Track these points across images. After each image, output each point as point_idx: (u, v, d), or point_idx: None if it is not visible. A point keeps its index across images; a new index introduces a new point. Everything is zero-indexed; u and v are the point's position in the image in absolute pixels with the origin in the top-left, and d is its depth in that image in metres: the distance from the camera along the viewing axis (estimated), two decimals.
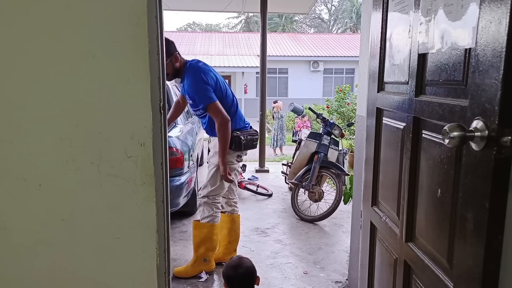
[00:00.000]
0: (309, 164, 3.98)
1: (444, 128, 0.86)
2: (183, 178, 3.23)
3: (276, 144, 8.56)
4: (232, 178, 2.59)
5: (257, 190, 4.68)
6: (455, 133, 0.84)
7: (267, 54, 6.05)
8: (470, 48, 0.89)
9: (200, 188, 2.65)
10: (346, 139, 6.27)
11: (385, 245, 1.50)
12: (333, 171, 3.80)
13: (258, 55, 6.26)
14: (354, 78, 17.37)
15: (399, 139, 1.33)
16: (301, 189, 3.94)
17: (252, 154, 5.29)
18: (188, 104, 2.66)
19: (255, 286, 1.74)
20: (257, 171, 5.87)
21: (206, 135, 3.08)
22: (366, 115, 1.71)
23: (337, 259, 2.94)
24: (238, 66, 16.35)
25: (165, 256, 1.33)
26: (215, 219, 2.58)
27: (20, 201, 1.20)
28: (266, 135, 7.64)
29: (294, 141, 5.47)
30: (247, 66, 16.22)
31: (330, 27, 32.32)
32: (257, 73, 15.09)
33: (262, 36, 5.88)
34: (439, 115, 1.03)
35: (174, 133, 3.33)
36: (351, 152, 5.56)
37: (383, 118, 1.52)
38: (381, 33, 1.48)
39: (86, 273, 1.27)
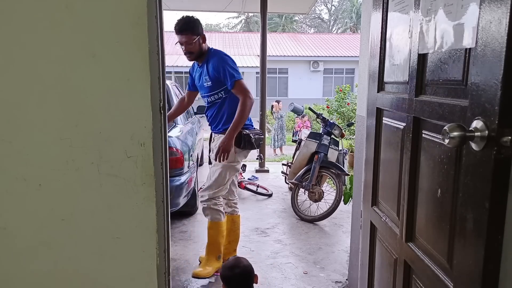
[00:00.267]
0: (309, 164, 3.98)
1: (444, 128, 0.86)
2: (183, 178, 3.23)
3: (276, 144, 8.56)
4: (231, 178, 2.59)
5: (257, 190, 4.68)
6: (455, 133, 0.84)
7: (267, 54, 6.05)
8: (470, 48, 0.89)
9: (201, 188, 2.62)
10: (346, 139, 6.27)
11: (385, 245, 1.50)
12: (333, 171, 3.80)
13: (258, 55, 6.26)
14: (354, 78, 17.37)
15: (399, 139, 1.33)
16: (301, 189, 3.94)
17: (252, 154, 5.28)
18: (199, 94, 2.63)
19: (254, 285, 1.74)
20: (257, 171, 5.87)
21: (206, 135, 3.07)
22: (366, 115, 1.71)
23: (337, 259, 2.94)
24: (238, 66, 16.33)
25: (165, 256, 1.33)
26: (222, 218, 2.61)
27: (20, 201, 1.20)
28: (266, 135, 7.64)
29: (294, 141, 5.47)
30: (247, 66, 16.22)
31: (330, 27, 32.32)
32: (257, 73, 15.09)
33: (262, 36, 5.88)
34: (439, 115, 1.03)
35: (174, 133, 3.33)
36: (351, 152, 5.56)
37: (383, 118, 1.52)
38: (381, 33, 1.48)
39: (86, 273, 1.27)
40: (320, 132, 4.15)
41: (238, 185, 4.31)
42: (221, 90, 2.46)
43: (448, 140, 0.85)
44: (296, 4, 6.87)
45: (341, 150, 4.25)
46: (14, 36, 1.11)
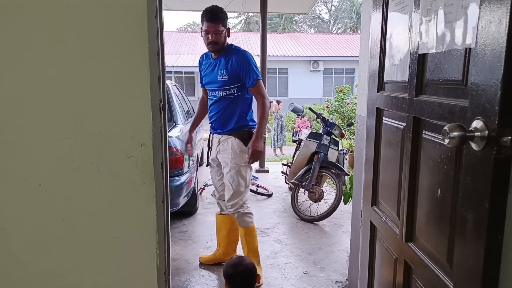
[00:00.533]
0: (309, 164, 3.98)
1: (444, 128, 0.86)
2: (183, 178, 3.23)
3: (276, 144, 8.56)
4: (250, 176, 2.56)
5: (257, 190, 4.68)
6: (455, 133, 0.84)
7: (267, 54, 6.04)
8: (470, 48, 0.89)
9: (229, 199, 2.48)
10: (346, 139, 6.27)
11: (385, 245, 1.50)
12: (333, 171, 3.80)
13: (258, 55, 6.26)
14: (354, 78, 17.37)
15: (399, 139, 1.33)
16: (301, 189, 3.94)
17: None
18: (209, 89, 2.52)
19: (256, 285, 1.74)
20: (257, 171, 5.86)
21: (206, 135, 3.06)
22: (366, 115, 1.71)
23: (337, 259, 2.94)
24: None
25: (165, 256, 1.33)
26: (253, 220, 2.60)
27: (20, 201, 1.20)
28: (266, 135, 7.64)
29: (294, 141, 5.47)
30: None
31: (330, 27, 32.32)
32: None
33: (262, 36, 5.88)
34: (439, 115, 1.03)
35: (174, 133, 3.33)
36: (351, 152, 5.56)
37: (383, 118, 1.52)
38: (381, 33, 1.48)
39: (86, 273, 1.27)
40: (320, 132, 4.15)
41: None
42: (235, 86, 2.40)
43: (448, 140, 0.85)
44: (296, 4, 6.86)
45: (341, 150, 4.25)
46: (14, 36, 1.11)
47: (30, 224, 1.21)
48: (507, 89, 0.75)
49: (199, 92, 17.67)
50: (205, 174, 4.81)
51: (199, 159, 4.56)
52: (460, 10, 0.93)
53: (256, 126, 2.45)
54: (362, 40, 2.09)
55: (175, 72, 16.60)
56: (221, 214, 2.70)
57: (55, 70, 1.13)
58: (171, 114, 3.71)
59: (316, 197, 3.86)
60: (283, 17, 28.68)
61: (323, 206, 3.79)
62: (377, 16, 1.53)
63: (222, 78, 2.41)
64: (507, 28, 0.73)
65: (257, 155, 2.43)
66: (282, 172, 5.16)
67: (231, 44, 2.49)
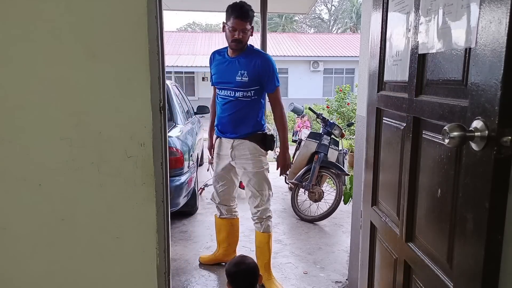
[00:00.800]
0: (309, 164, 3.98)
1: (444, 128, 0.86)
2: (183, 178, 3.23)
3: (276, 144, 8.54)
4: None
5: None
6: (455, 133, 0.84)
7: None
8: (470, 48, 0.89)
9: (257, 205, 2.41)
10: (346, 139, 6.26)
11: (385, 245, 1.50)
12: (333, 171, 3.80)
13: None
14: (354, 78, 17.37)
15: (399, 139, 1.33)
16: (301, 189, 3.94)
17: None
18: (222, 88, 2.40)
19: (258, 284, 1.75)
20: None
21: (206, 135, 3.05)
22: (366, 115, 1.71)
23: (337, 259, 2.94)
24: None
25: (165, 256, 1.33)
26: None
27: (20, 201, 1.20)
28: None
29: (294, 141, 5.47)
30: None
31: (330, 27, 32.33)
32: None
33: (262, 36, 5.87)
34: (439, 115, 1.03)
35: (174, 133, 3.33)
36: (351, 152, 5.56)
37: (383, 118, 1.52)
38: (381, 33, 1.48)
39: (86, 273, 1.27)
40: (320, 132, 4.15)
41: (238, 185, 4.31)
42: (253, 89, 2.32)
43: (448, 140, 0.85)
44: (296, 4, 6.86)
45: (341, 150, 4.25)
46: (14, 36, 1.11)
47: (30, 224, 1.21)
48: (507, 89, 0.75)
49: (199, 92, 17.76)
50: (205, 174, 4.81)
51: (199, 159, 4.55)
52: (460, 10, 0.93)
53: (281, 138, 2.44)
54: (362, 40, 2.09)
55: (175, 72, 16.60)
56: (221, 218, 2.65)
57: (55, 70, 1.13)
58: (171, 114, 3.71)
59: (316, 197, 3.86)
60: (283, 17, 28.69)
61: (323, 206, 3.79)
62: (377, 16, 1.53)
63: (242, 79, 2.31)
64: (507, 28, 0.73)
65: (288, 168, 2.47)
66: None
67: (251, 45, 2.41)
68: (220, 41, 19.33)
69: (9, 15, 1.10)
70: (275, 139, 2.48)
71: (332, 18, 32.83)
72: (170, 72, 15.88)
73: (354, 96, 8.64)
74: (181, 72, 16.99)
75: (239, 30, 2.22)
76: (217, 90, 2.45)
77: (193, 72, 17.14)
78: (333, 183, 3.83)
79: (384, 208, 1.52)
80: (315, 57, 17.69)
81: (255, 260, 2.11)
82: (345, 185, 3.64)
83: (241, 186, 4.49)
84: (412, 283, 1.26)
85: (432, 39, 1.07)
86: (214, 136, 2.56)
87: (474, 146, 0.83)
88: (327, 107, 8.67)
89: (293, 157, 4.62)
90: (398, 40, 1.34)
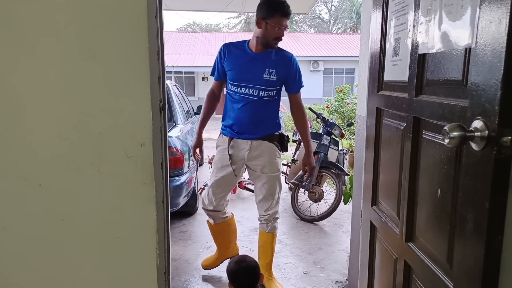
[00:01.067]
0: None
1: (444, 128, 0.86)
2: (183, 178, 3.23)
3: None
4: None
5: None
6: (455, 133, 0.84)
7: None
8: (470, 48, 0.89)
9: (268, 208, 2.37)
10: (346, 139, 6.26)
11: (385, 245, 1.50)
12: (333, 171, 3.80)
13: None
14: (354, 78, 17.37)
15: (399, 139, 1.33)
16: (301, 189, 3.94)
17: None
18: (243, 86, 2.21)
19: (259, 284, 1.75)
20: None
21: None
22: (366, 115, 1.71)
23: (337, 259, 2.94)
24: None
25: (165, 256, 1.33)
26: None
27: (20, 201, 1.20)
28: None
29: (294, 141, 5.46)
30: None
31: (330, 27, 32.33)
32: None
33: None
34: (439, 115, 1.03)
35: (174, 133, 3.33)
36: (351, 152, 5.56)
37: (383, 118, 1.52)
38: (381, 33, 1.48)
39: (86, 273, 1.27)
40: (320, 132, 4.15)
41: (238, 185, 4.31)
42: (276, 89, 2.24)
43: (448, 140, 0.85)
44: (296, 4, 6.84)
45: (341, 150, 4.25)
46: (14, 36, 1.11)
47: (30, 224, 1.21)
48: (507, 89, 0.75)
49: (199, 92, 17.75)
50: (205, 174, 4.81)
51: (199, 159, 4.55)
52: (460, 10, 0.93)
53: (305, 142, 2.38)
54: (362, 40, 2.09)
55: (175, 72, 16.60)
56: (216, 224, 2.53)
57: (55, 70, 1.13)
58: (171, 114, 3.71)
59: (316, 197, 3.86)
60: None
61: (323, 206, 3.79)
62: (377, 16, 1.53)
63: (270, 77, 2.18)
64: (507, 28, 0.73)
65: (313, 171, 2.44)
66: (282, 172, 5.15)
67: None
68: (220, 41, 19.32)
69: (8, 15, 1.10)
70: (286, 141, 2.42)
71: (332, 18, 32.83)
72: (170, 72, 15.88)
73: (354, 96, 8.64)
74: (181, 72, 16.99)
75: (284, 28, 2.14)
76: (231, 87, 2.23)
77: (193, 72, 17.13)
78: (333, 183, 3.83)
79: (384, 208, 1.52)
80: (315, 57, 17.69)
81: (257, 259, 2.11)
82: (345, 185, 3.64)
83: (241, 185, 4.51)
84: (412, 283, 1.26)
85: (432, 39, 1.07)
86: (225, 137, 2.32)
87: (474, 146, 0.83)
88: (327, 107, 8.67)
89: (293, 157, 4.62)
90: (398, 40, 1.34)
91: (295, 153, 4.74)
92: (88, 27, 1.12)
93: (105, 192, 1.21)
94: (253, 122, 2.24)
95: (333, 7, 32.84)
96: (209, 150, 4.17)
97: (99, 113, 1.17)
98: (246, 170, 2.40)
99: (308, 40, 20.22)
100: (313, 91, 17.50)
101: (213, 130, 2.37)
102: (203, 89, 17.34)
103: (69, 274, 1.27)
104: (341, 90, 8.71)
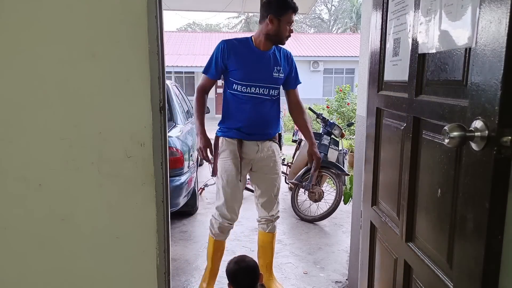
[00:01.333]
0: (309, 164, 3.97)
1: (444, 128, 0.86)
2: (183, 178, 3.23)
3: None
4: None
5: None
6: (455, 133, 0.84)
7: None
8: (470, 48, 0.89)
9: (274, 209, 2.36)
10: (346, 139, 6.26)
11: (385, 245, 1.50)
12: (333, 171, 3.80)
13: None
14: (354, 78, 17.37)
15: (399, 139, 1.33)
16: (301, 189, 3.94)
17: None
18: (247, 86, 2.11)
19: (258, 284, 1.75)
20: None
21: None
22: (366, 115, 1.71)
23: (337, 259, 2.94)
24: None
25: (165, 256, 1.33)
26: None
27: (20, 201, 1.20)
28: None
29: (294, 141, 5.46)
30: None
31: (330, 27, 32.33)
32: None
33: None
34: (439, 115, 1.03)
35: (174, 133, 3.33)
36: (351, 152, 5.56)
37: (383, 118, 1.52)
38: (381, 33, 1.48)
39: (86, 273, 1.27)
40: (320, 132, 4.15)
41: None
42: (279, 87, 2.22)
43: (448, 140, 0.85)
44: (296, 4, 6.85)
45: (341, 150, 4.25)
46: (13, 36, 1.11)
47: (30, 224, 1.21)
48: (507, 89, 0.75)
49: None
50: (205, 174, 4.81)
51: (199, 159, 4.55)
52: (460, 10, 0.93)
53: (308, 135, 2.36)
54: (362, 40, 2.09)
55: (175, 72, 16.60)
56: (222, 240, 2.32)
57: (55, 70, 1.13)
58: (171, 114, 3.71)
59: (316, 197, 3.86)
60: None
61: (323, 206, 3.79)
62: (377, 16, 1.53)
63: (278, 75, 2.15)
64: (507, 28, 0.73)
65: (320, 161, 2.40)
66: (282, 172, 5.15)
67: None
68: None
69: (8, 15, 1.10)
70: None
71: (332, 18, 32.83)
72: (170, 72, 15.88)
73: (354, 96, 8.64)
74: (181, 72, 16.99)
75: (292, 24, 2.12)
76: (238, 87, 2.11)
77: (193, 72, 17.13)
78: (333, 183, 3.83)
79: (384, 208, 1.52)
80: (315, 57, 17.69)
81: (256, 260, 2.10)
82: (345, 185, 3.64)
83: None
84: (412, 283, 1.26)
85: (432, 39, 1.07)
86: (231, 140, 2.16)
87: (474, 146, 0.83)
88: (327, 107, 8.67)
89: (293, 157, 4.61)
90: (398, 40, 1.34)
91: (295, 153, 4.74)
92: (88, 27, 1.12)
93: (105, 192, 1.21)
94: (264, 122, 2.17)
95: (333, 7, 32.84)
96: None
97: (99, 113, 1.17)
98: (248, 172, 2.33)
99: (308, 40, 20.22)
100: (313, 91, 17.49)
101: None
102: None
103: (69, 274, 1.26)
104: (341, 90, 8.70)
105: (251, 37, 2.19)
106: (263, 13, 2.12)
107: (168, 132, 3.10)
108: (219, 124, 2.23)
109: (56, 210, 1.21)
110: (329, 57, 17.67)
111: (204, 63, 2.22)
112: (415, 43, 1.18)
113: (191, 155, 3.66)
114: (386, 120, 1.49)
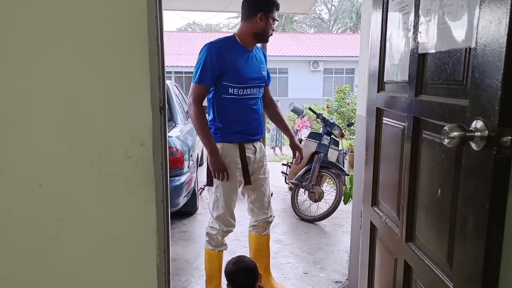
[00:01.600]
0: (309, 164, 3.98)
1: (444, 128, 0.86)
2: (183, 178, 3.23)
3: (275, 144, 8.59)
4: None
5: None
6: (455, 133, 0.84)
7: (267, 54, 6.03)
8: (470, 48, 0.89)
9: (269, 208, 2.30)
10: (346, 139, 6.26)
11: (385, 245, 1.50)
12: (333, 171, 3.81)
13: None
14: (354, 78, 17.38)
15: (399, 139, 1.33)
16: (301, 189, 3.94)
17: None
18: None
19: (257, 284, 1.75)
20: None
21: None
22: (366, 115, 1.71)
23: (337, 259, 2.94)
24: None
25: (165, 256, 1.33)
26: None
27: (20, 201, 1.20)
28: (266, 135, 7.66)
29: None
30: None
31: (330, 27, 32.32)
32: None
33: None
34: (439, 115, 1.03)
35: (174, 133, 3.33)
36: (351, 152, 5.56)
37: (383, 118, 1.52)
38: (381, 33, 1.48)
39: (86, 273, 1.27)
40: (320, 132, 4.15)
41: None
42: (269, 82, 2.24)
43: (448, 140, 0.85)
44: (296, 4, 6.85)
45: (341, 150, 4.26)
46: (14, 36, 1.11)
47: (30, 224, 1.21)
48: (507, 89, 0.75)
49: None
50: (205, 174, 4.80)
51: (199, 159, 4.55)
52: (460, 10, 0.93)
53: (287, 128, 2.37)
54: (362, 40, 2.09)
55: (175, 72, 16.60)
56: (220, 251, 2.22)
57: (55, 70, 1.13)
58: (171, 114, 3.71)
59: (316, 197, 3.86)
60: (283, 17, 28.66)
61: (323, 206, 3.79)
62: (377, 16, 1.53)
63: (264, 73, 2.15)
64: (507, 28, 0.73)
65: (302, 152, 2.39)
66: (282, 172, 5.16)
67: None
68: None
69: (8, 15, 1.10)
70: None
71: (332, 18, 32.83)
72: (170, 72, 15.88)
73: (354, 96, 8.64)
74: (181, 72, 16.99)
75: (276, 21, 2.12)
76: (234, 90, 2.03)
77: (193, 72, 17.13)
78: (333, 183, 3.84)
79: (384, 208, 1.52)
80: (315, 57, 17.70)
81: None
82: (345, 185, 3.65)
83: None
84: (412, 283, 1.26)
85: (432, 39, 1.07)
86: (232, 144, 2.10)
87: (474, 146, 0.83)
88: (327, 107, 8.67)
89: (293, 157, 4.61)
90: (398, 40, 1.34)
91: None
92: (88, 27, 1.12)
93: (105, 192, 1.21)
94: (260, 122, 2.17)
95: (333, 7, 32.83)
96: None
97: (99, 113, 1.17)
98: None
99: (308, 40, 20.22)
100: (313, 91, 17.51)
101: None
102: None
103: (69, 274, 1.26)
104: (341, 90, 8.70)
105: (234, 36, 2.10)
106: (250, 10, 2.05)
107: (168, 132, 3.10)
108: (215, 130, 2.10)
109: (56, 210, 1.21)
110: (329, 57, 17.68)
111: None
112: (415, 43, 1.18)
113: (191, 155, 3.67)
114: (386, 120, 1.49)
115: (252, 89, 2.09)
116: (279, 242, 3.25)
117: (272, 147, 8.65)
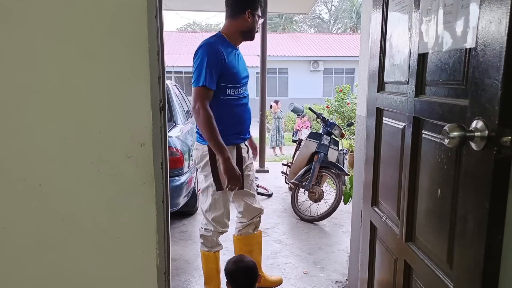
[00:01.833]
0: (309, 164, 3.98)
1: (444, 128, 0.86)
2: (183, 178, 3.23)
3: (275, 144, 8.59)
4: None
5: (257, 190, 4.68)
6: (455, 133, 0.84)
7: (267, 54, 6.05)
8: (470, 48, 0.89)
9: (260, 209, 2.31)
10: (346, 139, 6.26)
11: (385, 245, 1.50)
12: (333, 171, 3.81)
13: (258, 55, 6.27)
14: (354, 78, 17.38)
15: (399, 139, 1.33)
16: (301, 189, 3.94)
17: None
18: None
19: (257, 284, 1.75)
20: (257, 171, 5.86)
21: None
22: (366, 115, 1.71)
23: (337, 259, 2.94)
24: None
25: (165, 256, 1.33)
26: None
27: (20, 201, 1.20)
28: (266, 135, 7.66)
29: (294, 141, 5.47)
30: (247, 66, 16.19)
31: (330, 27, 32.32)
32: (257, 73, 15.10)
33: (262, 36, 5.88)
34: (439, 115, 1.03)
35: (174, 133, 3.33)
36: (351, 152, 5.56)
37: (383, 118, 1.52)
38: (381, 33, 1.48)
39: (86, 273, 1.27)
40: (320, 132, 4.15)
41: None
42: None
43: (448, 140, 0.85)
44: (296, 4, 6.86)
45: (341, 150, 4.26)
46: (13, 36, 1.11)
47: (30, 224, 1.21)
48: (507, 89, 0.75)
49: None
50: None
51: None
52: (460, 10, 0.93)
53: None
54: (362, 40, 2.09)
55: (175, 72, 16.60)
56: (216, 252, 2.22)
57: (54, 70, 1.13)
58: (171, 114, 3.71)
59: (316, 197, 3.86)
60: (283, 17, 28.67)
61: (323, 206, 3.79)
62: (377, 16, 1.53)
63: (248, 71, 2.18)
64: (507, 28, 0.73)
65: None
66: (282, 172, 5.16)
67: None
68: None
69: (8, 15, 1.10)
70: None
71: (332, 18, 32.82)
72: (170, 72, 15.88)
73: (354, 96, 8.64)
74: (181, 72, 16.99)
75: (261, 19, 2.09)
76: (231, 91, 2.01)
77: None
78: (333, 183, 3.84)
79: (384, 208, 1.52)
80: (315, 57, 17.70)
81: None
82: (345, 185, 3.65)
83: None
84: (412, 283, 1.26)
85: (432, 39, 1.07)
86: (231, 146, 2.06)
87: (474, 146, 0.83)
88: (327, 107, 8.67)
89: (293, 157, 4.62)
90: (398, 40, 1.34)
91: (295, 153, 4.74)
92: (87, 27, 1.12)
93: (105, 192, 1.21)
94: (250, 120, 2.18)
95: (333, 7, 32.83)
96: None
97: (99, 113, 1.17)
98: None
99: (308, 40, 20.21)
100: (313, 91, 17.51)
101: None
102: None
103: (69, 274, 1.26)
104: (341, 90, 8.71)
105: (221, 34, 2.07)
106: (237, 8, 2.02)
107: (168, 132, 3.10)
108: None
109: (56, 210, 1.21)
110: (329, 57, 17.68)
111: None
112: (415, 43, 1.18)
113: (191, 155, 3.67)
114: (386, 120, 1.49)
115: (243, 87, 2.08)
116: (279, 242, 3.25)
117: (272, 147, 8.65)
